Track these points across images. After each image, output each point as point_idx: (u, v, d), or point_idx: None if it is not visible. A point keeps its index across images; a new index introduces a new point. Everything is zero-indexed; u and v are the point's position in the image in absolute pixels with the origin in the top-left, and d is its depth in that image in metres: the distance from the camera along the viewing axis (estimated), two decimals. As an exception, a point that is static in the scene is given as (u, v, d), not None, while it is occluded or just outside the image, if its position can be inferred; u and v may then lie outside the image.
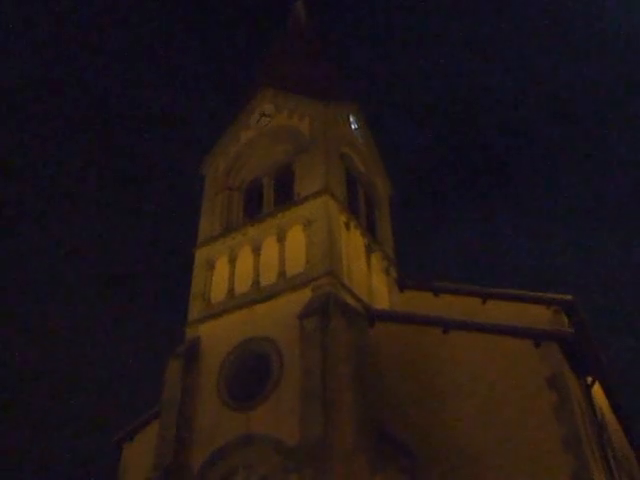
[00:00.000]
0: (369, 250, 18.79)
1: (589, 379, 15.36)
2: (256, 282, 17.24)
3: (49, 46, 58.77)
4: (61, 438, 36.31)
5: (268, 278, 17.04)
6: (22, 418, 37.62)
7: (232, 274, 17.94)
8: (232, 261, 18.19)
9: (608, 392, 18.13)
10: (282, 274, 16.82)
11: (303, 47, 25.20)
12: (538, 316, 15.64)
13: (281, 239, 17.50)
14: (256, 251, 17.83)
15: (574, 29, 61.74)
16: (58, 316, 46.35)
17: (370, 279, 18.11)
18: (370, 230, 19.73)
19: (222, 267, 18.35)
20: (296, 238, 17.24)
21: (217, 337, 16.89)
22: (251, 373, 15.71)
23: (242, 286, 17.46)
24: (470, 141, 65.94)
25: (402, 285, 19.49)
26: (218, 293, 17.89)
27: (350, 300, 15.98)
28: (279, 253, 17.29)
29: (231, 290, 17.64)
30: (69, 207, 57.29)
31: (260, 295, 16.82)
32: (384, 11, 71.21)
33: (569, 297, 16.02)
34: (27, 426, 37.38)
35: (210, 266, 18.61)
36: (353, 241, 18.05)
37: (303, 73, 22.54)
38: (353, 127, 21.71)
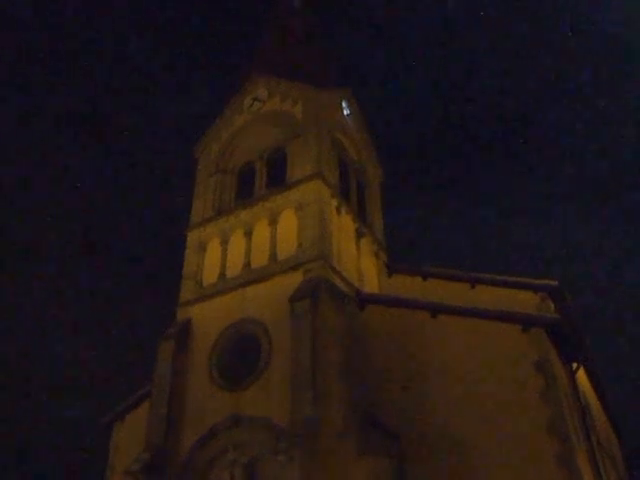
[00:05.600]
0: (359, 234, 18.94)
1: (574, 365, 15.62)
2: (247, 265, 17.35)
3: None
4: (52, 418, 36.38)
5: (259, 261, 17.16)
6: (12, 398, 37.65)
7: (224, 256, 18.06)
8: (224, 243, 18.32)
9: (592, 377, 18.45)
10: (273, 257, 16.94)
11: (297, 32, 25.13)
12: (525, 301, 15.81)
13: (273, 222, 17.62)
14: (248, 234, 17.95)
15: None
16: (50, 295, 46.34)
17: (360, 263, 18.27)
18: (360, 215, 19.88)
19: (214, 249, 18.47)
20: (288, 222, 17.36)
21: (208, 319, 17.02)
22: (241, 354, 15.87)
23: (233, 268, 17.58)
24: (460, 128, 66.05)
25: (391, 269, 19.64)
26: (210, 275, 18.01)
27: (340, 284, 16.11)
28: (271, 236, 17.40)
29: (222, 272, 17.76)
30: (60, 187, 57.00)
31: (251, 277, 16.93)
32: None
33: (555, 283, 16.20)
34: (17, 406, 37.42)
35: (202, 248, 18.73)
36: (344, 225, 18.19)
37: (296, 58, 22.54)
38: (345, 113, 21.77)
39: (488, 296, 16.37)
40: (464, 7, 64.22)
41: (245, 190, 19.58)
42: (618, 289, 49.43)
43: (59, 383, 38.58)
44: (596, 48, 57.11)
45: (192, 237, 19.23)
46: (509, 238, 60.06)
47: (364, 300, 16.17)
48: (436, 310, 14.93)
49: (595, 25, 55.06)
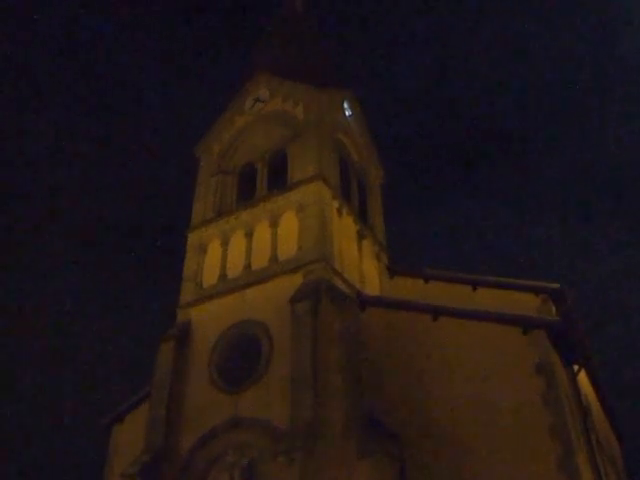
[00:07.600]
0: (360, 236, 18.91)
1: (575, 367, 15.58)
2: (248, 266, 17.31)
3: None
4: (51, 420, 36.37)
5: (260, 262, 17.12)
6: (11, 399, 37.65)
7: (224, 258, 18.01)
8: (224, 245, 18.27)
9: (593, 379, 18.41)
10: (274, 258, 16.90)
11: (299, 32, 25.11)
12: (527, 304, 15.77)
13: (274, 224, 17.58)
14: (249, 235, 17.91)
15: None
16: (48, 296, 46.30)
17: (361, 265, 18.24)
18: (361, 216, 19.84)
19: (214, 250, 18.42)
20: (289, 223, 17.34)
21: (208, 320, 16.96)
22: (242, 356, 15.79)
23: (234, 270, 17.53)
24: (461, 128, 66.03)
25: (393, 271, 19.63)
26: (210, 276, 17.94)
27: (341, 285, 16.07)
28: (271, 238, 17.37)
29: (223, 273, 17.71)
30: (60, 187, 57.02)
31: (252, 279, 16.89)
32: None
33: (557, 285, 16.16)
34: (16, 407, 37.41)
35: (202, 249, 18.68)
36: (345, 227, 18.16)
37: (298, 59, 22.53)
38: (347, 113, 21.74)
39: (489, 298, 16.36)
40: (464, 7, 64.28)
41: (246, 191, 19.56)
42: (619, 291, 49.36)
43: (59, 384, 38.60)
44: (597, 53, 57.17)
45: (192, 238, 19.17)
46: (510, 240, 60.06)
47: (365, 302, 16.08)
48: (437, 312, 14.87)
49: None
